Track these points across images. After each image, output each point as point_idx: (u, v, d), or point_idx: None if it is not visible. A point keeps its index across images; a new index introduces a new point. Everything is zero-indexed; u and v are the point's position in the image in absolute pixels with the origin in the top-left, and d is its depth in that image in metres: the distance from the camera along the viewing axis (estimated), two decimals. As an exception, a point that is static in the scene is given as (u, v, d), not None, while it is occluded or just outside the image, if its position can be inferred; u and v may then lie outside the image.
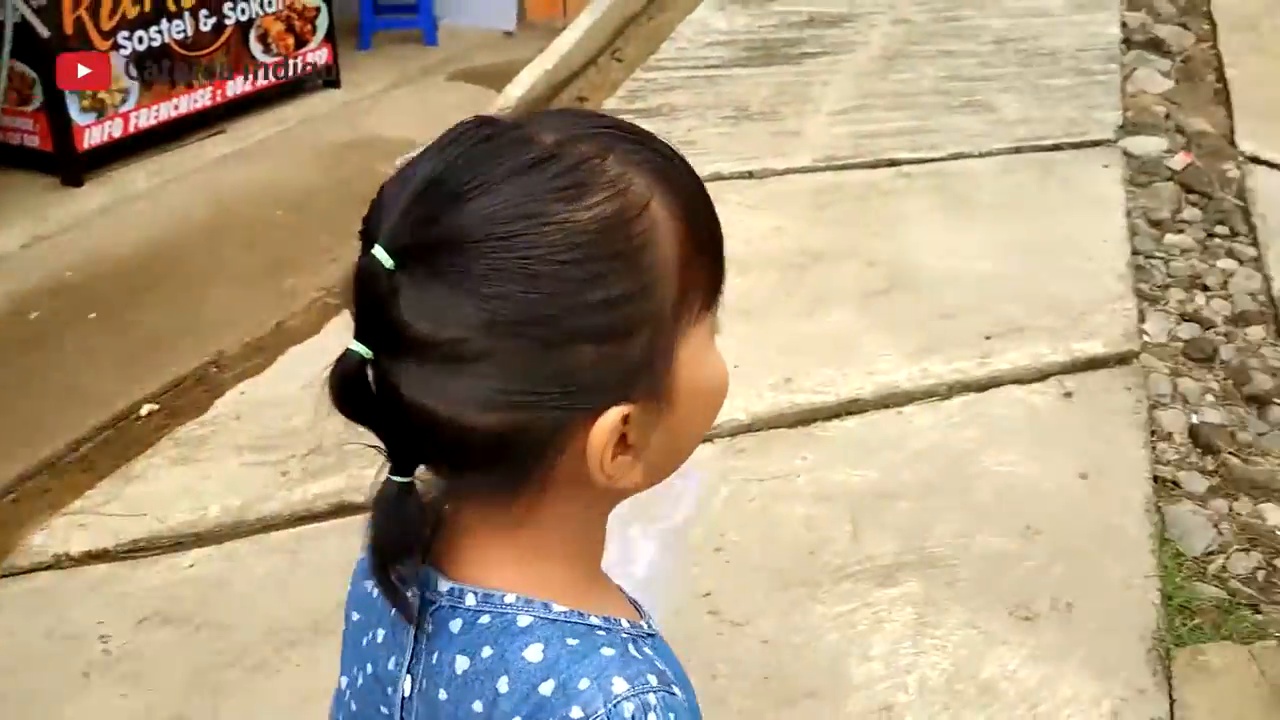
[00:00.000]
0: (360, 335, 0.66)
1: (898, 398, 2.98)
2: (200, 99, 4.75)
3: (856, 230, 3.82)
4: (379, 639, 0.78)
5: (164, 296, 3.64)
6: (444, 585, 0.73)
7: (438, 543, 0.76)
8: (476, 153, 0.66)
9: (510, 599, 0.71)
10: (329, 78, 5.34)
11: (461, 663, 0.71)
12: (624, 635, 0.73)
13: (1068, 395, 2.99)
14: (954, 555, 2.49)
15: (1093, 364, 3.11)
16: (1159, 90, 4.93)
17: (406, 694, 0.75)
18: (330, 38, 5.26)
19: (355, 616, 0.82)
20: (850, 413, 2.94)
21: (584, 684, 0.68)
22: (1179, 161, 4.23)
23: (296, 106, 5.09)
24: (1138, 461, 2.76)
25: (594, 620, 0.72)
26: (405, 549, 0.71)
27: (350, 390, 0.67)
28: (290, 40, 5.09)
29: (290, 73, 5.13)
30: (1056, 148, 4.37)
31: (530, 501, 0.70)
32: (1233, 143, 4.35)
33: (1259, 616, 2.39)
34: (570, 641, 0.70)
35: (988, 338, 3.20)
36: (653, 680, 0.69)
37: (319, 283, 3.63)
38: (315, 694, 2.20)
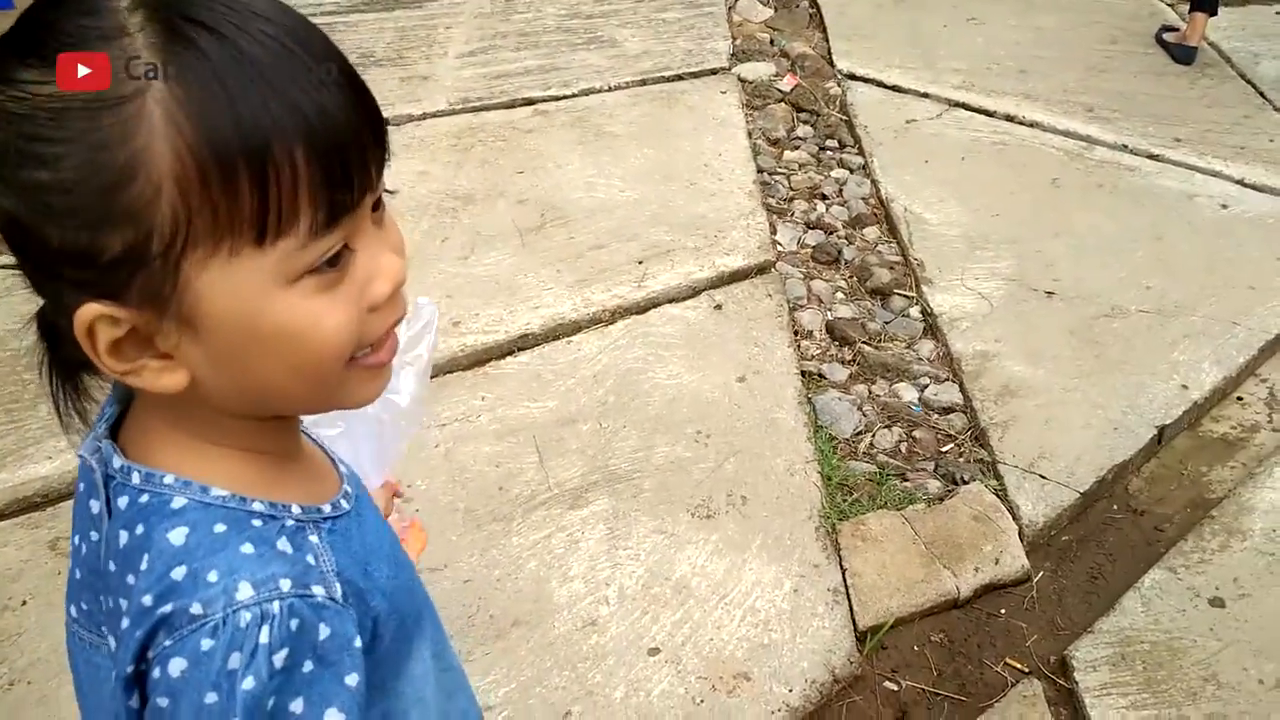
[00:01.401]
0: None
1: (565, 328, 3.05)
2: None
3: (502, 170, 3.83)
4: (94, 510, 0.77)
5: None
6: (117, 462, 0.74)
7: (128, 421, 0.78)
8: None
9: (169, 480, 0.72)
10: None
11: (123, 537, 0.72)
12: (287, 524, 0.74)
13: (718, 307, 3.18)
14: (636, 469, 2.60)
15: (736, 276, 3.31)
16: (761, 19, 5.27)
17: (105, 557, 0.75)
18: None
19: (80, 486, 0.81)
20: (522, 348, 2.98)
21: (212, 577, 0.68)
22: (787, 83, 4.55)
23: None
24: (785, 360, 2.98)
25: (256, 506, 0.73)
26: (67, 368, 0.75)
27: None
28: None
29: None
30: (678, 78, 4.58)
31: (156, 388, 0.71)
32: (831, 63, 4.73)
33: (906, 483, 2.67)
34: (217, 529, 0.71)
35: (640, 262, 3.33)
36: (285, 584, 0.69)
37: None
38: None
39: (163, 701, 0.67)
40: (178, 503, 0.71)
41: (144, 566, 0.69)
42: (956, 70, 4.63)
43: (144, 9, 0.63)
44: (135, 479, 0.73)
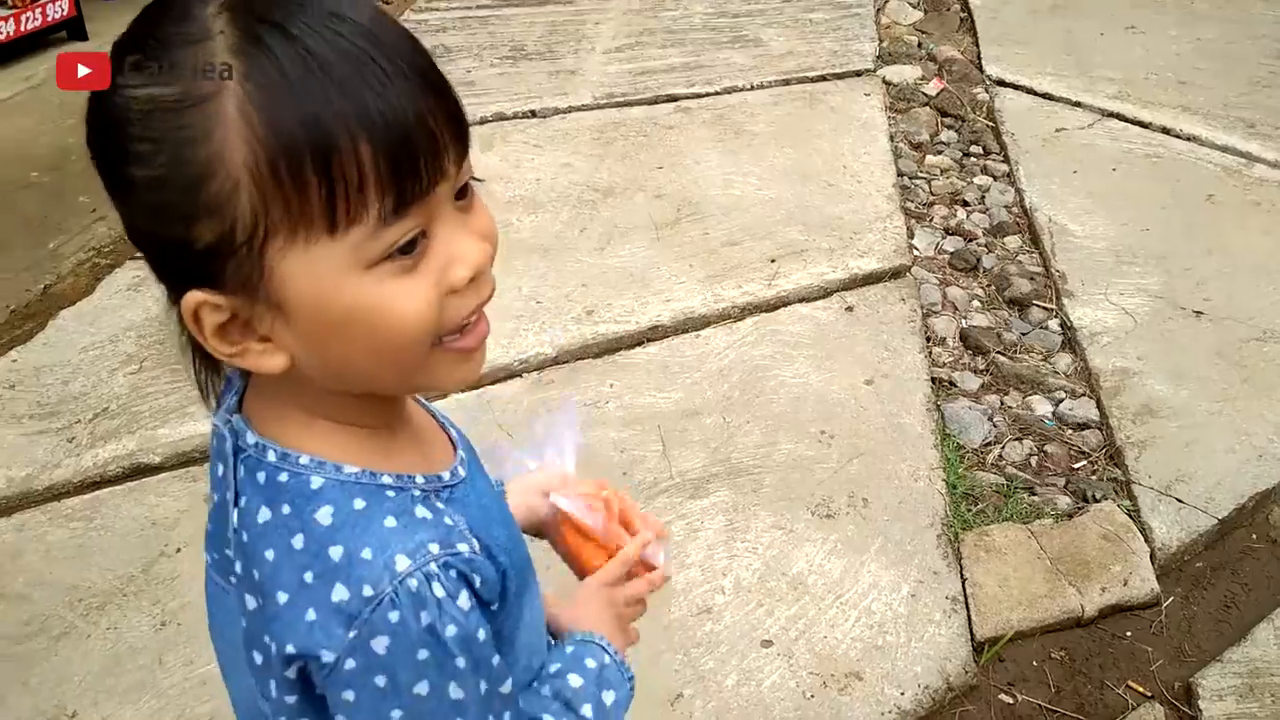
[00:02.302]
0: None
1: (694, 322, 3.09)
2: (-69, 57, 4.38)
3: (642, 165, 3.89)
4: (220, 472, 0.83)
5: (-88, 268, 3.36)
6: (251, 438, 0.79)
7: (250, 395, 0.83)
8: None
9: (305, 460, 0.77)
10: (74, 30, 4.99)
11: (264, 514, 0.76)
12: (415, 493, 0.79)
13: (849, 309, 3.16)
14: (758, 463, 2.61)
15: (869, 279, 3.29)
16: (910, 21, 5.21)
17: (235, 525, 0.79)
18: (70, -13, 4.93)
19: (214, 441, 0.86)
20: (651, 339, 3.03)
21: (367, 554, 0.73)
22: (933, 87, 4.49)
23: (42, 61, 4.74)
24: (916, 365, 2.95)
25: (385, 480, 0.78)
26: (207, 353, 0.79)
27: None
28: (25, -10, 4.73)
29: (28, 26, 4.77)
30: (822, 78, 4.57)
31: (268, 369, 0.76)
32: (980, 68, 4.65)
33: (1035, 498, 2.62)
34: (357, 504, 0.76)
35: (772, 260, 3.34)
36: (434, 549, 0.75)
37: (86, 243, 3.42)
38: (128, 654, 2.14)
39: (381, 680, 0.74)
40: (316, 482, 0.76)
41: (298, 545, 0.74)
42: (1111, 79, 4.50)
43: (228, 13, 0.68)
44: (271, 456, 0.78)
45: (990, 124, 4.26)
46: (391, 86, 0.68)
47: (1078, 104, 4.33)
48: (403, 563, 0.73)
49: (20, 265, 3.34)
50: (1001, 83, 4.53)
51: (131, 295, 3.16)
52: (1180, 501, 2.55)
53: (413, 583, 0.73)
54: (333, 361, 0.75)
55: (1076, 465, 2.72)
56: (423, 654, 0.73)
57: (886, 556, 2.39)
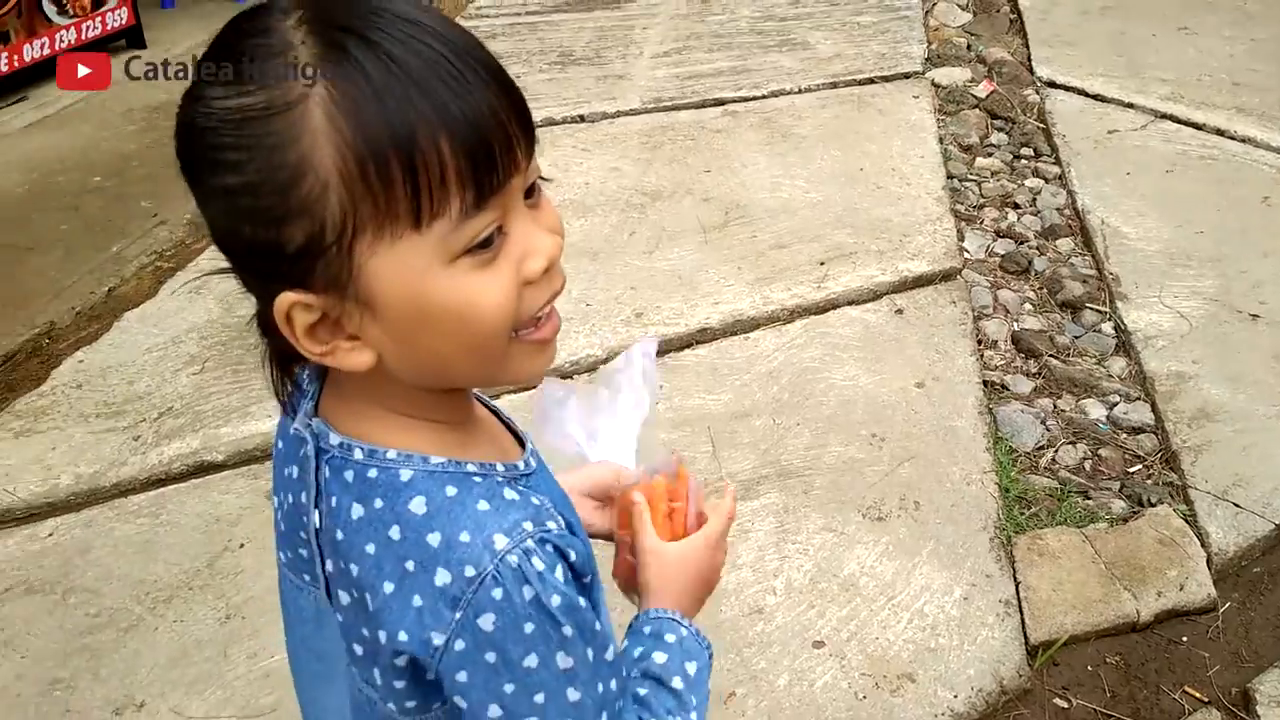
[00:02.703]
0: None
1: (744, 324, 3.10)
2: (-6, 66, 4.48)
3: (690, 168, 3.91)
4: (294, 475, 0.86)
5: (-19, 272, 3.46)
6: (335, 439, 0.82)
7: (327, 399, 0.86)
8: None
9: (392, 455, 0.80)
10: (132, 38, 5.10)
11: (357, 510, 0.79)
12: (499, 479, 0.82)
13: (899, 312, 3.16)
14: (808, 465, 2.62)
15: (920, 281, 3.29)
16: (958, 23, 5.19)
17: (317, 526, 0.83)
18: (129, -5, 5.04)
19: (280, 445, 0.90)
20: (700, 341, 3.04)
21: (464, 537, 0.76)
22: (983, 89, 4.47)
23: (101, 68, 4.85)
24: (967, 369, 2.94)
25: (470, 467, 0.81)
26: (282, 360, 0.84)
27: None
28: (86, 0, 4.84)
29: (89, 34, 4.88)
30: (870, 81, 4.57)
31: (351, 369, 0.78)
32: (1030, 69, 4.63)
33: (1089, 501, 2.60)
34: (449, 491, 0.79)
35: (821, 263, 3.34)
36: (527, 526, 0.78)
37: (149, 247, 3.50)
38: (194, 646, 2.19)
39: (491, 657, 0.76)
40: (405, 475, 0.79)
41: (396, 536, 0.77)
42: (1164, 81, 4.46)
43: (306, 25, 0.71)
44: (358, 455, 0.80)
45: (1041, 126, 4.24)
46: (466, 85, 0.72)
47: (1130, 105, 4.30)
48: (501, 541, 0.76)
49: (85, 268, 3.41)
50: (1052, 84, 4.50)
51: (193, 297, 3.22)
52: (1237, 506, 2.53)
53: (513, 559, 0.75)
54: (420, 355, 0.78)
55: (1131, 469, 2.70)
56: (529, 627, 0.76)
57: (939, 559, 2.38)
